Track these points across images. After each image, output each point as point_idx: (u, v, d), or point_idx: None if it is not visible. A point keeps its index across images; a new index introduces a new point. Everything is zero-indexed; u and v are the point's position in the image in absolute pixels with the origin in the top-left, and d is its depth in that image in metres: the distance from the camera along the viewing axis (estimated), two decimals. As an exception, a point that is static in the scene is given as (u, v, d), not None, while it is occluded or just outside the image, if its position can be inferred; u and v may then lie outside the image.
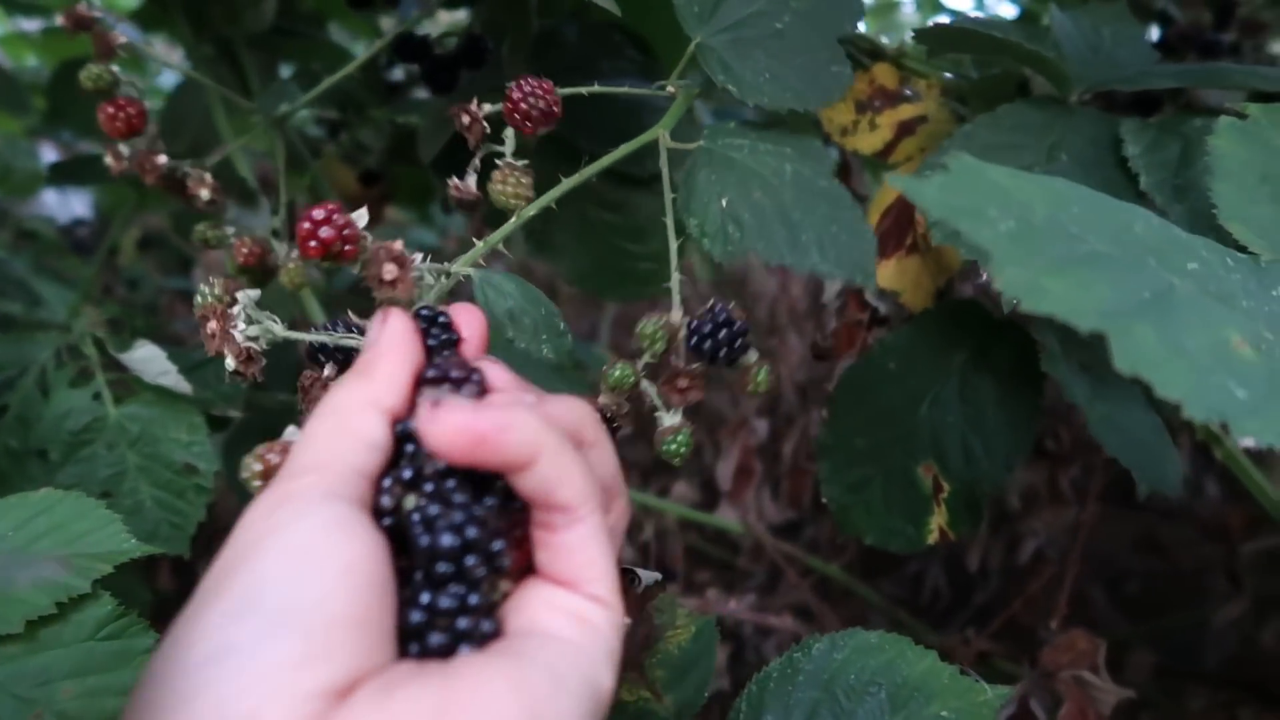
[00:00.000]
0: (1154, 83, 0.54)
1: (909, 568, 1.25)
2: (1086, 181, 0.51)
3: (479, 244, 0.47)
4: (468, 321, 0.35)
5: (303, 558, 0.26)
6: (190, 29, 0.82)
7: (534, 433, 0.28)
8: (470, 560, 0.28)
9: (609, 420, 0.44)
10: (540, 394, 0.33)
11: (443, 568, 0.28)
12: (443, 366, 0.32)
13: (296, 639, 0.25)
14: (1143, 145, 0.50)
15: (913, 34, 0.56)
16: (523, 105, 0.43)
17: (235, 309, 0.38)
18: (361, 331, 0.40)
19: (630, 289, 0.69)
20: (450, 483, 0.29)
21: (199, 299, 0.39)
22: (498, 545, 0.29)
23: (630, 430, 0.47)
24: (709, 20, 0.51)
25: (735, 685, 1.08)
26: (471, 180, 0.48)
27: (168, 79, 1.33)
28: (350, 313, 0.41)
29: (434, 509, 0.28)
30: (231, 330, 0.37)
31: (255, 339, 0.38)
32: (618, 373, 0.44)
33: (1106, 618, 1.16)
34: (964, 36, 0.53)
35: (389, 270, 0.37)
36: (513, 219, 0.47)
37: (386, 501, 0.29)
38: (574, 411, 0.33)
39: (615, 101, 0.63)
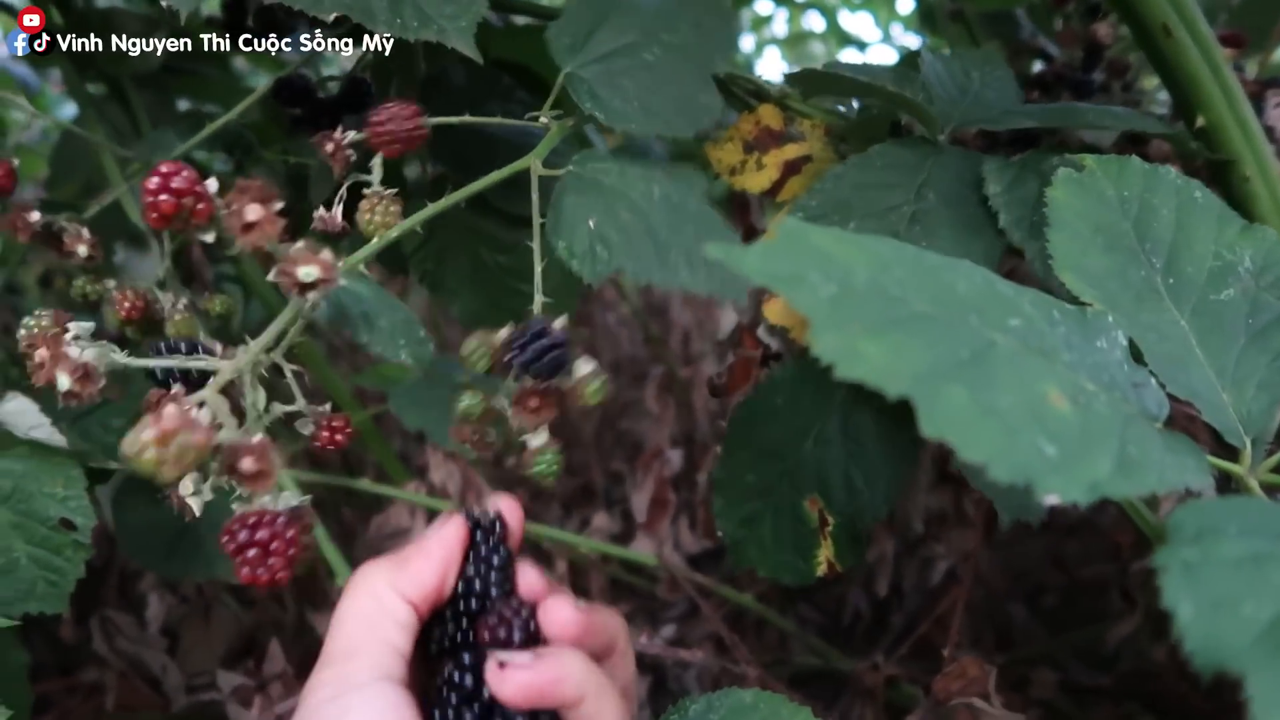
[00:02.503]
0: (1016, 122, 0.56)
1: (831, 590, 1.26)
2: (952, 219, 0.52)
3: (339, 263, 0.46)
4: (509, 511, 0.41)
5: None
6: (74, 69, 0.80)
7: (580, 681, 0.35)
8: None
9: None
10: (581, 605, 0.39)
11: None
12: (500, 613, 0.37)
13: None
14: (1004, 184, 0.51)
15: (784, 77, 0.58)
16: (384, 129, 0.43)
17: (67, 336, 0.36)
18: (209, 351, 0.40)
19: (524, 329, 0.69)
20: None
21: (23, 330, 0.38)
22: None
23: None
24: (580, 51, 0.51)
25: (657, 714, 1.08)
26: (338, 211, 0.48)
27: (71, 110, 1.30)
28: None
29: None
30: (64, 351, 0.35)
31: (91, 362, 0.36)
32: (465, 402, 0.44)
33: (1026, 631, 1.19)
34: (833, 80, 0.55)
35: (252, 212, 0.34)
36: (374, 242, 0.47)
37: None
38: (611, 624, 0.40)
39: (501, 142, 0.64)
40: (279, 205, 0.34)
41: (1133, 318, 0.38)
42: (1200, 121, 0.53)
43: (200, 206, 0.33)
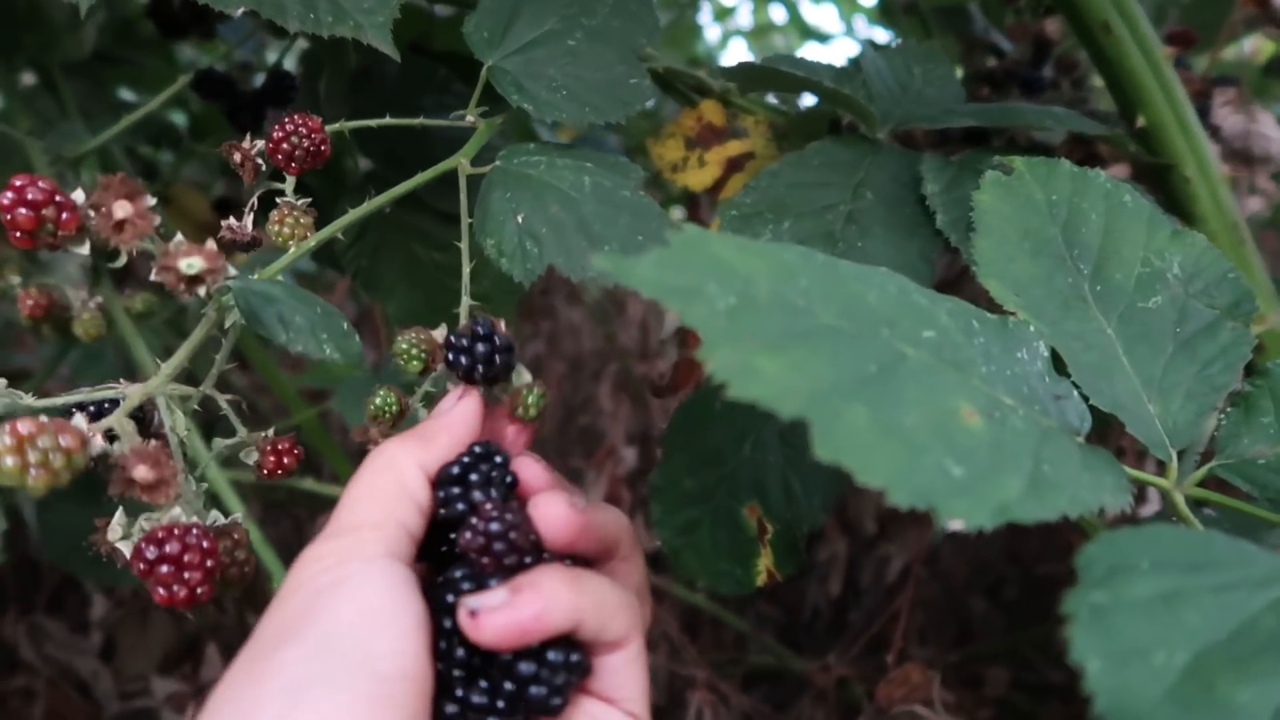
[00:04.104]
0: (955, 121, 0.54)
1: (791, 587, 1.25)
2: (889, 218, 0.51)
3: (256, 277, 0.44)
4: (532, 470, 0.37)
5: (375, 613, 0.29)
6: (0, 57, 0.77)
7: (569, 605, 0.31)
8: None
9: None
10: (584, 501, 0.35)
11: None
12: (487, 519, 0.32)
13: (372, 683, 0.28)
14: (942, 183, 0.50)
15: (722, 72, 0.56)
16: (285, 145, 0.41)
17: None
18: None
19: (461, 329, 0.67)
20: None
21: None
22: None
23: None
24: (500, 44, 0.50)
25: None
26: (248, 221, 0.46)
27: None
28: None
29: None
30: None
31: None
32: (378, 401, 0.42)
33: (986, 623, 1.19)
34: (771, 75, 0.53)
35: (120, 209, 0.32)
36: (290, 252, 0.45)
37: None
38: (612, 523, 0.35)
39: (434, 136, 0.62)
40: (149, 200, 0.31)
41: (1058, 326, 0.37)
42: (1141, 121, 0.52)
43: (65, 217, 0.31)
